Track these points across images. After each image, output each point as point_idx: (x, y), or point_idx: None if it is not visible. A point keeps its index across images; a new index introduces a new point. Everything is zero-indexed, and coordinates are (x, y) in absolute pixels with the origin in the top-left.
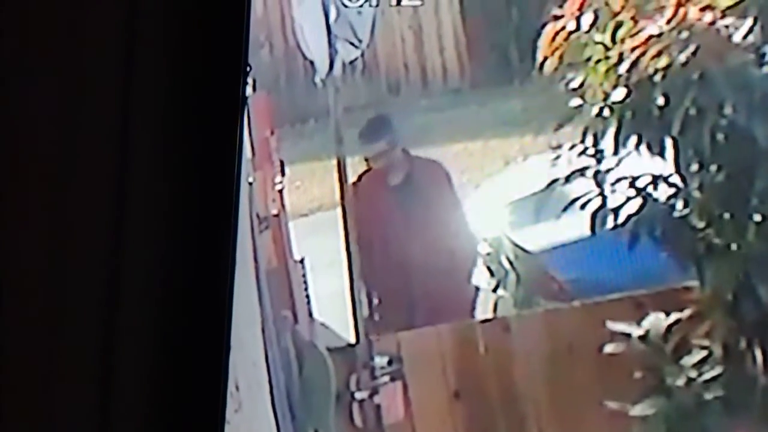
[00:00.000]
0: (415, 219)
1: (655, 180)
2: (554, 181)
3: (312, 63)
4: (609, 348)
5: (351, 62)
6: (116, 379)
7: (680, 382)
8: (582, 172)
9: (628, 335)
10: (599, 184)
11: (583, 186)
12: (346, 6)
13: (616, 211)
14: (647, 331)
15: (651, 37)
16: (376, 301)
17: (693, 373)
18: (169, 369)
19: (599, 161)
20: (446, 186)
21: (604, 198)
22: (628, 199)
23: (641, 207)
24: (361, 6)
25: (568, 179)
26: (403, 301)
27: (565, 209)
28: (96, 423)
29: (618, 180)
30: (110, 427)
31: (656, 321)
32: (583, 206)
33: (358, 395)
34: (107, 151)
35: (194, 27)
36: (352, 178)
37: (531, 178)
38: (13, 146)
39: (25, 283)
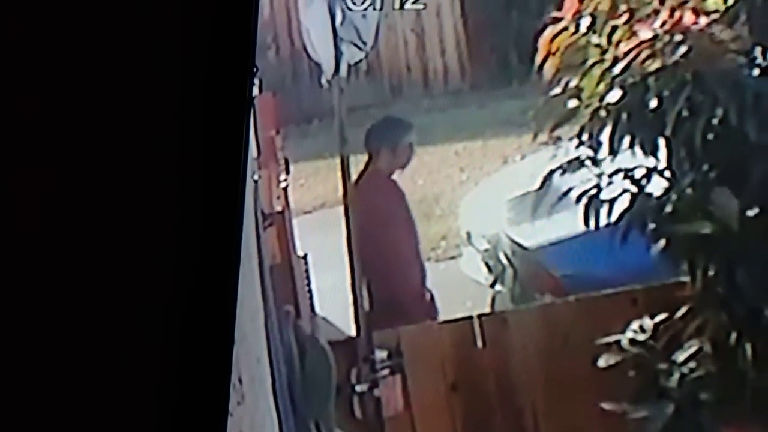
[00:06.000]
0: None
1: (650, 173)
2: (552, 171)
3: (318, 65)
4: (602, 361)
5: (355, 64)
6: (119, 372)
7: (673, 378)
8: (580, 161)
9: (619, 342)
10: (597, 166)
11: (579, 177)
12: (351, 9)
13: (611, 202)
14: (635, 334)
15: (645, 40)
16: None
17: (685, 369)
18: (173, 362)
19: (596, 152)
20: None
21: (599, 189)
22: (624, 191)
23: (633, 202)
24: (365, 9)
25: (565, 169)
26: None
27: (560, 198)
28: (97, 414)
29: (614, 172)
30: (112, 418)
31: (643, 324)
32: (578, 199)
33: (359, 388)
34: (113, 147)
35: (202, 28)
36: (354, 176)
37: (528, 176)
38: (13, 144)
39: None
